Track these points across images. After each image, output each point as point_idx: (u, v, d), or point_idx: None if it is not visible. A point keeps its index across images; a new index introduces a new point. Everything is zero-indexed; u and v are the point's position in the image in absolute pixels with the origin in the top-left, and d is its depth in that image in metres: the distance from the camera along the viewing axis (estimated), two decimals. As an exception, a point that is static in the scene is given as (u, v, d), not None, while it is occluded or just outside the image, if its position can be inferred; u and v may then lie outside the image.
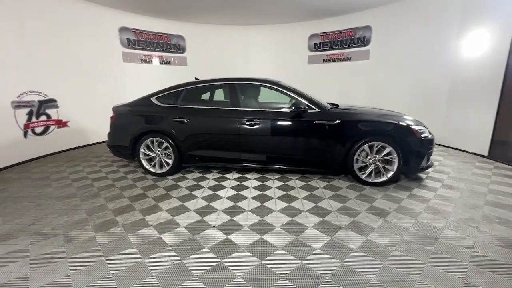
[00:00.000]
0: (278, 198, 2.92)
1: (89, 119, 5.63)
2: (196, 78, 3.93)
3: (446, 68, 4.96)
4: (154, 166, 3.65)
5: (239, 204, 2.78)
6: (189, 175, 3.68)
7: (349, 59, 6.81)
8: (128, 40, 6.30)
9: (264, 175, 3.61)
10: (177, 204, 2.79)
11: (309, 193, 3.04)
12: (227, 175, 3.64)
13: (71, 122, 5.26)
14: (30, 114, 4.55)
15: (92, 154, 4.95)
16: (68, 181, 3.54)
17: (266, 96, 3.74)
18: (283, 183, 3.31)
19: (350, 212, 2.57)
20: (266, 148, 3.42)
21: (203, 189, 3.21)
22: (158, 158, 3.63)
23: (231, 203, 2.80)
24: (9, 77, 4.19)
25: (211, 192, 3.11)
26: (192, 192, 3.11)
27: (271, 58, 7.83)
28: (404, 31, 5.69)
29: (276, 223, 2.39)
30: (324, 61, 7.21)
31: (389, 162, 3.12)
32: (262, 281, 1.68)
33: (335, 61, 7.05)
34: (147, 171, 3.69)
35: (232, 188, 3.21)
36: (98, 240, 2.15)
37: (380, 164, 3.13)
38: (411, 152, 3.05)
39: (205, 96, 3.96)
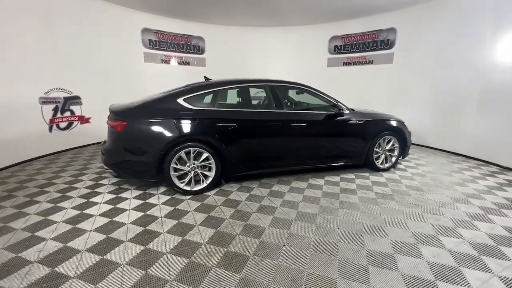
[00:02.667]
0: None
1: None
2: (205, 77, 3.64)
3: (476, 73, 4.62)
4: (188, 183, 2.96)
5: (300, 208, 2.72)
6: (228, 188, 3.21)
7: (371, 62, 6.56)
8: (150, 40, 6.47)
9: (299, 177, 3.54)
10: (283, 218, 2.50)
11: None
12: (266, 181, 3.45)
13: (93, 118, 5.46)
14: (55, 109, 4.77)
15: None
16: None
17: (298, 98, 3.85)
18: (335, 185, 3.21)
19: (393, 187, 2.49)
20: (311, 148, 3.50)
21: (264, 197, 2.96)
22: (193, 172, 2.96)
23: (294, 210, 2.67)
24: (38, 75, 4.41)
25: (280, 198, 2.93)
26: (271, 203, 2.80)
27: (290, 60, 7.74)
28: (431, 34, 5.39)
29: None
30: (345, 64, 7.01)
31: (391, 151, 3.93)
32: None
33: (356, 64, 6.83)
34: (179, 190, 2.97)
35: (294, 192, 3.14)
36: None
37: (388, 153, 3.91)
38: (404, 141, 3.93)
39: (244, 98, 3.70)
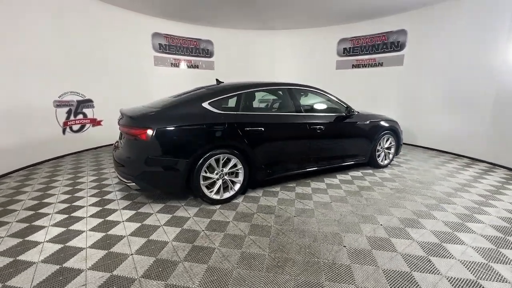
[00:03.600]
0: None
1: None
2: (217, 80, 3.59)
3: (491, 76, 4.50)
4: (217, 191, 2.82)
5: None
6: (254, 193, 3.14)
7: (380, 64, 6.48)
8: (160, 44, 6.58)
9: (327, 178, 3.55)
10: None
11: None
12: (286, 184, 3.46)
13: (104, 121, 5.58)
14: (69, 112, 4.90)
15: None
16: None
17: (311, 101, 3.93)
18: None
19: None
20: (327, 149, 3.61)
21: (294, 200, 2.97)
22: (221, 180, 2.83)
23: (327, 211, 2.74)
24: (53, 78, 4.55)
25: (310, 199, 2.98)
26: (305, 206, 2.81)
27: (298, 62, 7.73)
28: (443, 35, 5.29)
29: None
30: (354, 66, 6.94)
31: (389, 148, 4.29)
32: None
33: (365, 66, 6.75)
34: (207, 200, 2.79)
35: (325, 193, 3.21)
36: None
37: (386, 151, 4.25)
38: (398, 139, 4.31)
39: (264, 101, 3.69)
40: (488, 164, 4.59)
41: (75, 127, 5.07)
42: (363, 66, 6.80)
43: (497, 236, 2.26)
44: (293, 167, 3.38)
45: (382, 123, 4.08)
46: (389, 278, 1.74)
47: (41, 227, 2.35)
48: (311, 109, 3.64)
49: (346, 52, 7.02)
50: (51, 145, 4.59)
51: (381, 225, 2.43)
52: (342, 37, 7.00)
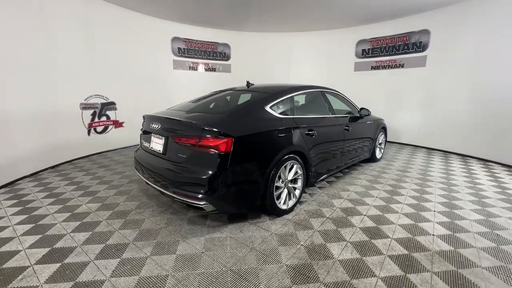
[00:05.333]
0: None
1: (142, 121, 6.14)
2: (248, 82, 3.45)
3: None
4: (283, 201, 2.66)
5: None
6: (306, 197, 3.14)
7: (401, 66, 6.28)
8: (179, 48, 6.76)
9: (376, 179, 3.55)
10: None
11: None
12: (320, 184, 3.61)
13: (126, 123, 5.80)
14: (93, 114, 5.14)
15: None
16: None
17: (336, 103, 4.04)
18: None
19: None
20: (352, 147, 3.80)
21: (344, 199, 3.09)
22: (286, 188, 2.68)
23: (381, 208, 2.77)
24: (80, 82, 4.79)
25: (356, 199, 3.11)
26: (362, 205, 2.95)
27: (315, 64, 7.66)
28: (468, 35, 5.04)
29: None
30: (373, 68, 6.77)
31: (380, 144, 4.85)
32: None
33: (385, 68, 6.57)
34: (274, 212, 2.60)
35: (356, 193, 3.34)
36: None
37: (379, 146, 4.81)
38: (386, 135, 5.01)
39: (314, 104, 3.66)
40: (520, 170, 4.32)
41: (99, 129, 5.31)
42: (382, 68, 6.61)
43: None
44: (332, 167, 3.45)
45: (380, 121, 4.66)
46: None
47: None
48: (338, 110, 3.79)
49: (365, 53, 6.87)
50: (77, 146, 4.83)
51: (434, 211, 2.74)
52: (360, 39, 6.86)
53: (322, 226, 2.46)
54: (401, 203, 3.03)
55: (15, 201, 3.00)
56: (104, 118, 5.38)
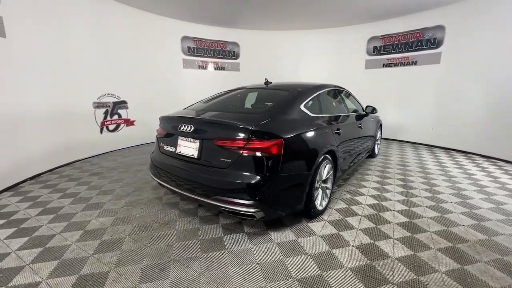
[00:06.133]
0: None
1: (152, 119, 6.22)
2: (266, 80, 3.32)
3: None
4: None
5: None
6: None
7: (414, 63, 6.12)
8: (189, 48, 6.81)
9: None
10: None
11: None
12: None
13: (137, 121, 5.89)
14: (106, 113, 5.25)
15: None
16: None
17: (348, 101, 4.03)
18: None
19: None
20: (361, 144, 3.84)
21: (366, 196, 3.12)
22: (320, 188, 2.59)
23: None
24: (93, 81, 4.90)
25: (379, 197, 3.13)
26: (387, 199, 3.03)
27: (325, 62, 7.57)
28: (485, 30, 4.86)
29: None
30: (384, 65, 6.63)
31: (378, 139, 4.98)
32: None
33: (397, 65, 6.42)
34: (312, 213, 2.49)
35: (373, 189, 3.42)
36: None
37: (377, 142, 4.94)
38: (381, 131, 5.20)
39: (336, 102, 3.65)
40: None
41: (111, 127, 5.42)
42: (394, 65, 6.47)
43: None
44: (350, 165, 3.46)
45: (378, 118, 4.82)
46: None
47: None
48: (351, 109, 3.84)
49: (376, 51, 6.73)
50: (91, 143, 4.94)
51: (450, 202, 2.82)
52: (372, 36, 6.72)
53: (361, 225, 2.45)
54: (418, 196, 3.14)
55: (41, 193, 3.11)
56: (116, 117, 5.49)
